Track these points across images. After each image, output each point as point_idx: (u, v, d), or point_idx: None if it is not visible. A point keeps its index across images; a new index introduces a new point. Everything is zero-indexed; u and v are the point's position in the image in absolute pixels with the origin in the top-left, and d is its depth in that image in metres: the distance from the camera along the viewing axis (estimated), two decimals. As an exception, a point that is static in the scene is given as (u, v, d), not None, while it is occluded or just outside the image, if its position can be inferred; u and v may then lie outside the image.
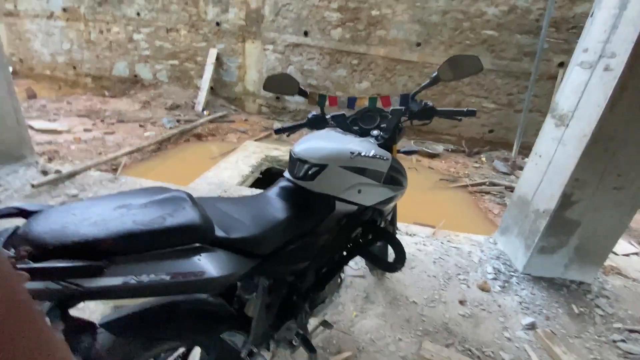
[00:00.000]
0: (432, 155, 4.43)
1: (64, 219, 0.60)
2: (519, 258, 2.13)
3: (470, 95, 4.63)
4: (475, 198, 3.44)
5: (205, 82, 5.21)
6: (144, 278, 0.60)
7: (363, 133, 1.25)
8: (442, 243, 2.33)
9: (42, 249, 0.54)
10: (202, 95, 5.14)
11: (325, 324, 1.32)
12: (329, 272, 1.20)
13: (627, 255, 2.41)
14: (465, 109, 1.17)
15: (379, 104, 1.27)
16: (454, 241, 2.38)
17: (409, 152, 1.47)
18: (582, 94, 1.78)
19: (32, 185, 2.40)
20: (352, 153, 1.02)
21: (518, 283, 2.01)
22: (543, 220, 1.95)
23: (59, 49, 6.07)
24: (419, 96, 1.23)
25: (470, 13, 4.27)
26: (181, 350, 0.96)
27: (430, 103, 1.20)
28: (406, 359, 1.46)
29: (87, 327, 0.63)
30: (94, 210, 0.63)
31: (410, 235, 2.39)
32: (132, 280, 0.59)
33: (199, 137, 4.23)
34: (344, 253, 1.21)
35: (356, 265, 1.98)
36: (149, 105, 5.08)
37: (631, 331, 1.73)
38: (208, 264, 0.68)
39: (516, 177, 3.88)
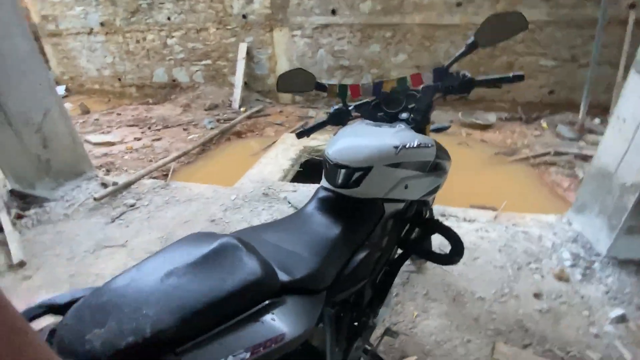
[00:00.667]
0: (484, 127, 4.05)
1: (105, 309, 0.50)
2: (601, 240, 1.86)
3: (524, 53, 4.12)
4: (539, 171, 3.09)
5: (238, 79, 5.23)
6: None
7: (391, 118, 1.11)
8: (506, 228, 2.11)
9: None
10: (237, 92, 5.17)
11: (390, 333, 1.24)
12: (387, 280, 1.11)
13: None
14: (510, 75, 0.99)
15: (410, 85, 1.11)
16: (520, 224, 2.14)
17: (440, 130, 1.29)
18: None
19: (95, 199, 2.58)
20: (396, 148, 0.89)
21: (602, 269, 1.76)
22: (632, 196, 1.66)
23: (103, 63, 6.46)
24: (453, 67, 1.05)
25: (519, -41, 3.72)
26: None
27: (468, 74, 1.03)
28: (478, 362, 1.34)
29: None
30: (137, 288, 0.54)
31: (469, 221, 2.20)
32: None
33: (238, 134, 4.28)
34: (396, 256, 1.11)
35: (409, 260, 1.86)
36: (189, 107, 5.24)
37: None
38: (284, 322, 0.59)
39: (586, 143, 3.42)
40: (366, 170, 0.89)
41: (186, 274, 0.57)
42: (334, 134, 1.06)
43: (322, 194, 0.97)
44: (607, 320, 1.51)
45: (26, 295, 1.76)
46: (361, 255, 0.89)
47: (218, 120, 4.61)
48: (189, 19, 5.45)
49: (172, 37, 5.70)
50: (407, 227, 1.13)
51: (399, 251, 1.16)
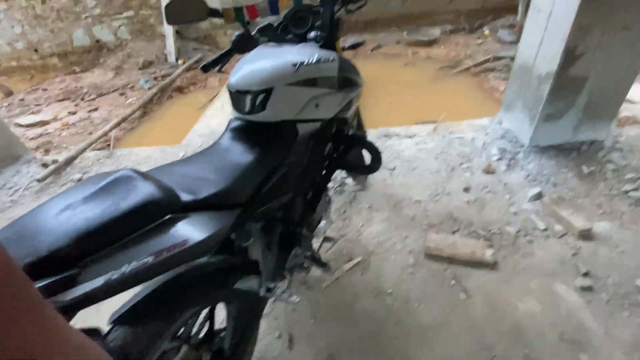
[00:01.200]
0: (429, 43, 4.02)
1: (8, 242, 0.54)
2: (524, 132, 2.03)
3: (461, -43, 3.94)
4: (479, 79, 3.19)
5: (168, 28, 4.76)
6: (126, 268, 0.56)
7: (300, 39, 1.09)
8: (443, 136, 2.24)
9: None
10: (171, 44, 4.75)
11: (326, 239, 1.37)
12: (315, 195, 1.19)
13: (646, 100, 2.23)
14: None
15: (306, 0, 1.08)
16: (456, 131, 2.28)
17: (355, 46, 1.29)
18: None
19: (38, 180, 2.47)
20: (294, 65, 0.90)
21: (525, 158, 1.95)
22: (546, 85, 1.78)
23: (12, 36, 5.64)
24: None
25: None
26: (205, 311, 0.93)
27: None
28: (414, 252, 1.53)
29: (91, 334, 0.58)
30: (35, 224, 0.57)
31: (410, 137, 2.31)
32: (113, 275, 0.55)
33: (180, 90, 4.04)
34: (323, 172, 1.19)
35: (353, 180, 1.97)
36: (121, 70, 4.81)
37: (645, 177, 1.69)
38: (188, 231, 0.64)
39: (523, 44, 3.49)
40: (267, 92, 0.89)
41: (81, 206, 0.60)
42: (237, 62, 1.04)
43: (234, 124, 0.98)
44: (526, 199, 1.72)
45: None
46: (278, 174, 0.94)
47: (155, 78, 4.29)
48: (95, -35, 4.73)
49: (82, -11, 4.98)
50: (330, 146, 1.19)
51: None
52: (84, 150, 2.83)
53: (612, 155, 1.85)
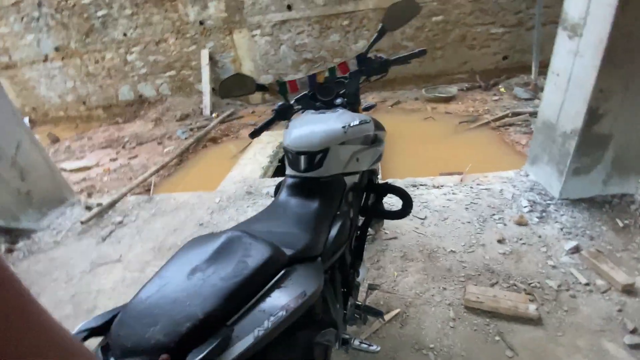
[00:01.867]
0: (448, 99, 4.25)
1: (152, 313, 0.56)
2: (553, 185, 2.08)
3: (475, 24, 4.32)
4: (500, 133, 3.31)
5: (205, 85, 5.25)
6: (267, 324, 0.59)
7: (327, 106, 1.23)
8: (471, 188, 2.31)
9: (166, 351, 0.51)
10: (207, 99, 5.20)
11: (371, 286, 1.40)
12: (360, 242, 1.26)
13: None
14: (416, 50, 1.20)
15: (338, 73, 1.25)
16: (483, 183, 2.34)
17: (369, 108, 1.44)
18: (590, -4, 1.63)
19: (81, 222, 2.63)
20: (343, 128, 1.03)
21: (556, 210, 1.97)
22: (572, 141, 1.87)
23: (64, 89, 6.32)
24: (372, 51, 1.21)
25: None
26: None
27: (384, 56, 1.20)
28: (453, 304, 1.52)
29: None
30: (171, 290, 0.60)
31: (438, 187, 2.38)
32: (260, 332, 0.57)
33: (214, 140, 4.34)
34: (362, 221, 1.27)
35: (384, 228, 2.02)
36: (160, 121, 5.24)
37: (685, 232, 1.67)
38: (301, 283, 0.69)
39: (540, 100, 3.66)
40: (325, 151, 1.01)
41: (208, 268, 0.64)
42: (286, 128, 1.16)
43: (290, 181, 1.07)
44: (563, 252, 1.72)
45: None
46: (338, 224, 1.01)
47: (191, 130, 4.64)
48: (146, 32, 5.41)
49: (132, 52, 5.64)
50: (364, 196, 1.29)
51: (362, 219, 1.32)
52: (124, 194, 3.02)
53: (646, 209, 1.86)
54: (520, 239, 1.83)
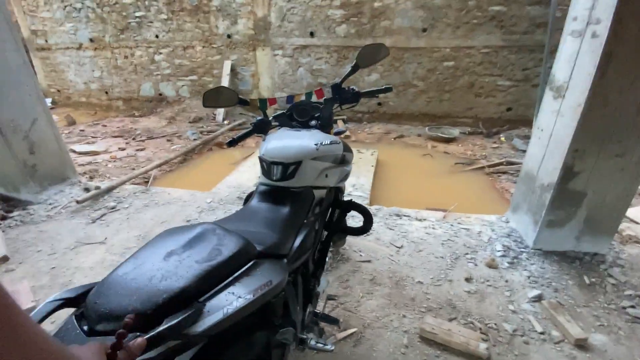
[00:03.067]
0: (449, 140, 4.39)
1: (132, 285, 0.61)
2: (529, 234, 2.13)
3: (483, 75, 4.53)
4: (492, 179, 3.40)
5: (222, 93, 5.51)
6: (236, 304, 0.65)
7: (302, 126, 1.34)
8: (452, 225, 2.37)
9: (143, 317, 0.56)
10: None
11: (330, 297, 1.47)
12: (323, 254, 1.34)
13: (650, 223, 2.32)
14: (383, 87, 1.36)
15: (314, 98, 1.39)
16: (464, 223, 2.41)
17: (340, 133, 1.56)
18: (574, 63, 1.77)
19: (77, 202, 2.74)
20: (316, 145, 1.13)
21: (528, 259, 2.02)
22: (548, 194, 1.95)
23: (90, 77, 6.67)
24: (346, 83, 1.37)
25: (475, -9, 4.18)
26: None
27: (356, 88, 1.34)
28: (409, 332, 1.56)
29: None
30: (147, 269, 0.65)
31: (420, 220, 2.46)
32: (228, 310, 0.63)
33: (220, 145, 4.50)
34: (326, 234, 1.35)
35: (360, 250, 2.09)
36: (174, 120, 5.46)
37: (646, 298, 1.71)
38: (269, 273, 0.77)
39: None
40: (297, 164, 1.11)
41: (184, 252, 0.70)
42: (263, 140, 1.25)
43: (262, 188, 1.16)
44: (526, 299, 1.76)
45: (9, 285, 1.90)
46: (304, 232, 1.09)
47: (201, 132, 4.83)
48: (176, 37, 5.76)
49: (160, 53, 5.98)
50: (329, 212, 1.38)
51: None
52: (124, 182, 3.15)
53: (614, 270, 1.90)
54: (487, 281, 1.87)
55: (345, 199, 1.55)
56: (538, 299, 1.75)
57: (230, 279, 0.70)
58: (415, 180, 3.48)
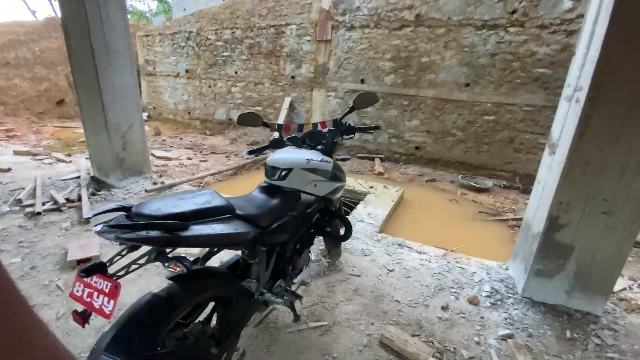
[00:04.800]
0: (480, 190, 4.42)
1: (158, 206, 1.01)
2: (520, 281, 2.18)
3: (524, 131, 4.56)
4: (513, 232, 3.38)
5: (279, 123, 6.29)
6: (209, 231, 1.02)
7: (311, 149, 1.73)
8: (448, 262, 2.50)
9: (153, 218, 0.96)
10: (275, 134, 6.18)
11: (303, 282, 1.77)
12: (302, 246, 1.68)
13: (668, 298, 2.18)
14: (372, 125, 1.72)
15: (319, 127, 1.79)
16: (462, 262, 2.52)
17: (344, 159, 1.91)
18: (564, 124, 1.94)
19: (146, 191, 3.47)
20: (307, 159, 1.53)
21: (513, 304, 2.07)
22: (536, 242, 2.04)
23: (180, 100, 8.09)
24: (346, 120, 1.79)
25: (520, 54, 4.39)
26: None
27: (351, 123, 1.72)
28: (371, 336, 1.76)
29: (181, 259, 1.00)
30: (169, 202, 1.06)
31: (420, 252, 2.62)
32: (203, 232, 1.00)
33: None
34: (310, 233, 1.69)
35: (354, 266, 2.34)
36: (235, 141, 6.35)
37: (626, 362, 1.67)
38: (238, 225, 1.15)
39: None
40: (289, 170, 1.52)
41: (190, 199, 1.12)
42: (272, 152, 1.71)
43: (262, 184, 1.59)
44: (494, 336, 1.83)
45: (89, 234, 2.55)
46: (283, 220, 1.48)
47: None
48: (251, 75, 6.83)
49: (236, 86, 7.10)
50: (318, 216, 1.73)
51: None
52: (182, 182, 3.85)
53: (604, 332, 1.86)
54: (463, 314, 1.98)
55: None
56: (507, 337, 1.81)
57: (211, 219, 1.11)
58: (433, 220, 3.61)
